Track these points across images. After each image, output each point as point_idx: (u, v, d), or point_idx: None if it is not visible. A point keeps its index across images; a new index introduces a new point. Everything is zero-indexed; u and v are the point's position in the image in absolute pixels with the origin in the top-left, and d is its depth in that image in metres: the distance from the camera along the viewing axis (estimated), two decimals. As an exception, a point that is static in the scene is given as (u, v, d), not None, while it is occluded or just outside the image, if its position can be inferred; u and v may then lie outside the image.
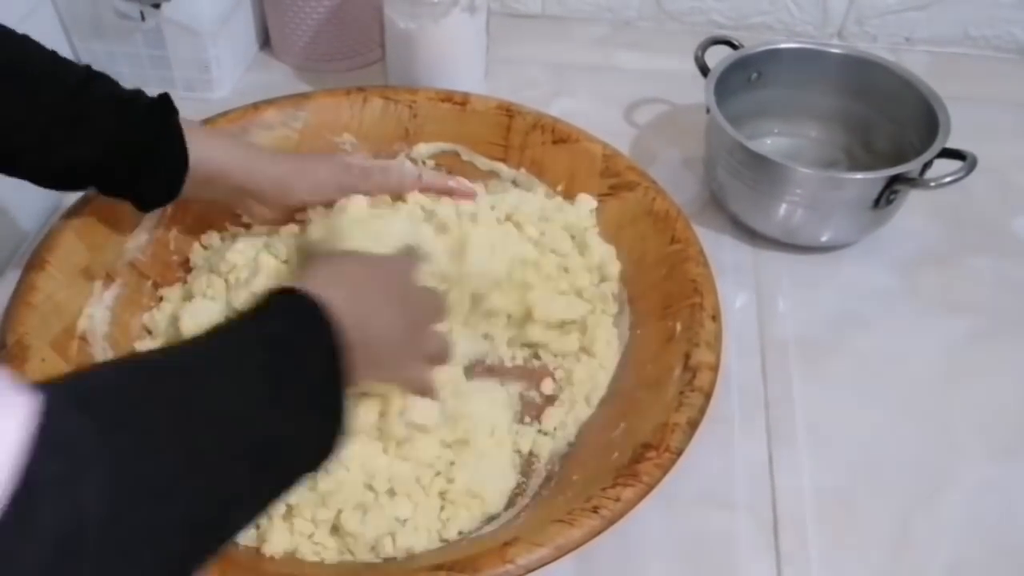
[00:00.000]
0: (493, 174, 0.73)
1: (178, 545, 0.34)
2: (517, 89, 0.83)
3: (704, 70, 0.74)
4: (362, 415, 0.53)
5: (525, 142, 0.72)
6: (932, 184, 0.66)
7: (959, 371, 0.65)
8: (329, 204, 0.64)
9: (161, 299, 0.65)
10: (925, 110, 0.70)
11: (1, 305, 0.58)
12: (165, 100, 0.59)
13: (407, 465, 0.55)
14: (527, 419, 0.61)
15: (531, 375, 0.64)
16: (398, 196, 0.66)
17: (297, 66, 0.91)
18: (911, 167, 0.66)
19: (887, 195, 0.67)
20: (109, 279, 0.63)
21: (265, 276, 0.62)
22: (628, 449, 0.52)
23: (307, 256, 0.62)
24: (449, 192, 0.66)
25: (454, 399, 0.57)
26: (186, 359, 0.39)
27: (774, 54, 0.76)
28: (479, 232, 0.62)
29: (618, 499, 0.48)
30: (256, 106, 0.72)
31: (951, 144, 0.67)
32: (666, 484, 0.50)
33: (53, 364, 0.56)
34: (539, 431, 0.60)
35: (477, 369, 0.63)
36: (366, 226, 0.60)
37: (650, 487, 0.49)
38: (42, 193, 0.76)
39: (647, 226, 0.65)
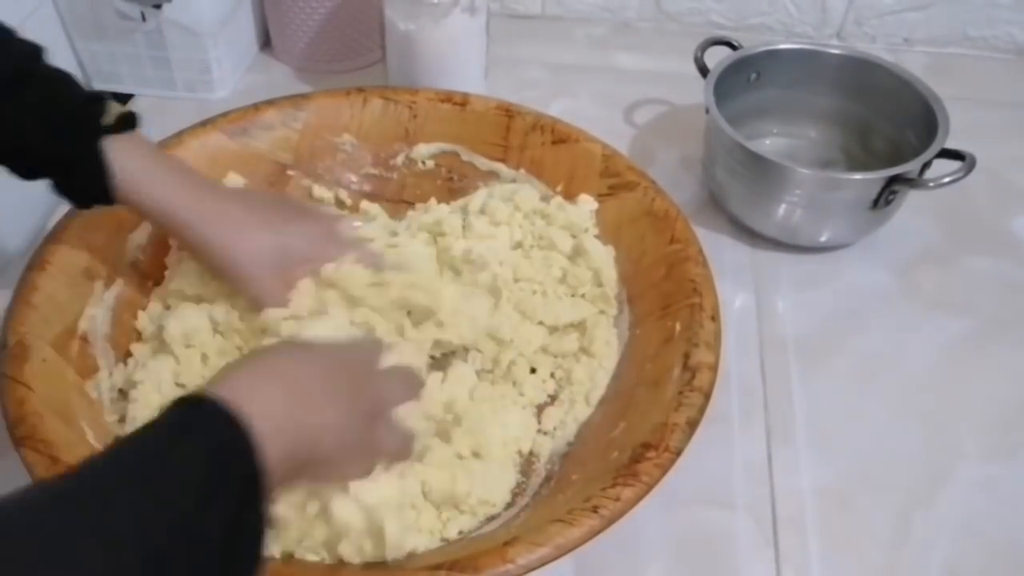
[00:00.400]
0: (493, 174, 0.73)
1: None
2: (517, 89, 0.83)
3: (703, 71, 0.74)
4: None
5: (525, 142, 0.72)
6: (931, 184, 0.66)
7: (958, 371, 0.65)
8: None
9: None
10: (924, 110, 0.70)
11: (2, 305, 0.58)
12: (126, 117, 0.55)
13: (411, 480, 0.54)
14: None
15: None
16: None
17: (297, 67, 0.91)
18: (910, 167, 0.66)
19: (886, 195, 0.67)
20: (110, 279, 0.63)
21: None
22: (628, 449, 0.52)
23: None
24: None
25: (471, 412, 0.58)
26: (47, 523, 0.31)
27: (773, 55, 0.77)
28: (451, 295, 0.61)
29: (618, 499, 0.48)
30: (256, 107, 0.72)
31: (950, 144, 0.67)
32: (666, 484, 0.50)
33: (54, 364, 0.56)
34: (539, 431, 0.60)
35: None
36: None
37: (650, 487, 0.49)
38: (42, 193, 0.77)
39: (646, 226, 0.65)
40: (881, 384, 0.64)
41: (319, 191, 0.73)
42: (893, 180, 0.66)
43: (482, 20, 0.79)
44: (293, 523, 0.49)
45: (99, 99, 0.55)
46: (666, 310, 0.61)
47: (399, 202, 0.74)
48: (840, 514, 0.57)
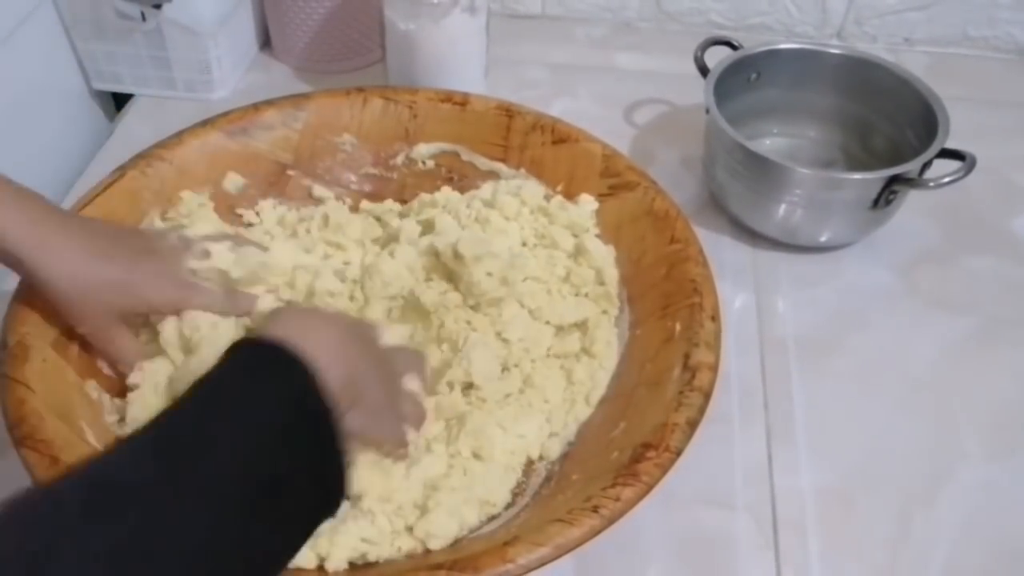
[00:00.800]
0: (493, 174, 0.73)
1: None
2: (517, 89, 0.83)
3: (703, 70, 0.74)
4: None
5: (525, 142, 0.72)
6: (931, 184, 0.66)
7: (958, 371, 0.65)
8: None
9: None
10: (924, 110, 0.70)
11: (2, 305, 0.58)
12: None
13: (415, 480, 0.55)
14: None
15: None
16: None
17: (297, 67, 0.91)
18: (910, 167, 0.66)
19: (886, 195, 0.67)
20: (110, 279, 0.63)
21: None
22: (628, 449, 0.52)
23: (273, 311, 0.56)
24: None
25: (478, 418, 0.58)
26: (145, 472, 0.33)
27: (773, 54, 0.77)
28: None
29: (618, 499, 0.48)
30: (256, 107, 0.72)
31: (950, 144, 0.67)
32: (666, 484, 0.50)
33: (54, 364, 0.56)
34: (551, 434, 0.60)
35: None
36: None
37: (650, 487, 0.49)
38: (41, 192, 0.77)
39: (647, 226, 0.65)
40: (881, 384, 0.64)
41: (319, 191, 0.73)
42: (893, 180, 0.66)
43: (482, 20, 0.79)
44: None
45: None
46: (666, 310, 0.61)
47: (399, 202, 0.74)
48: (840, 514, 0.57)
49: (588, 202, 0.69)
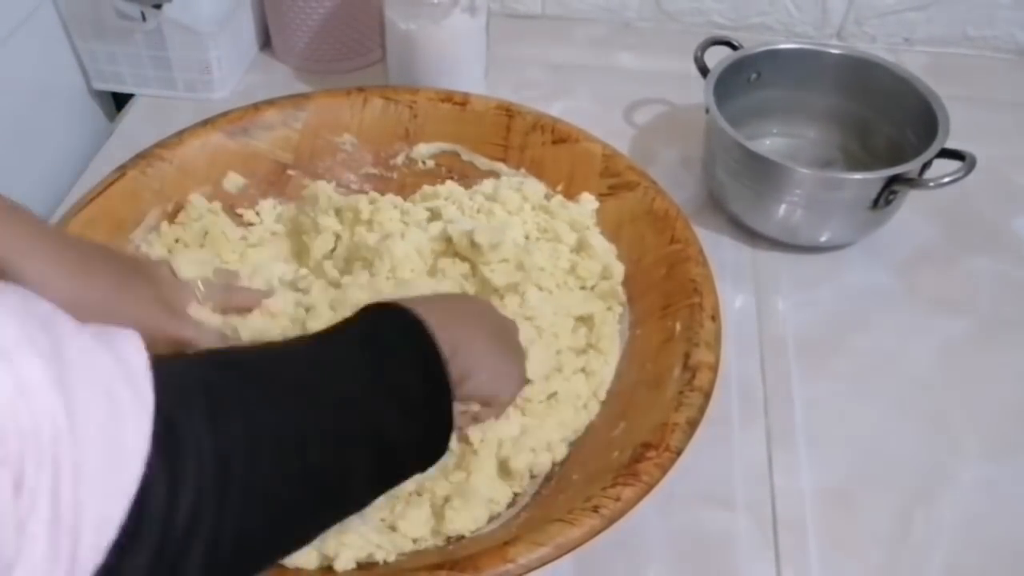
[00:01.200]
0: (493, 174, 0.73)
1: (290, 538, 0.38)
2: (517, 89, 0.83)
3: (703, 70, 0.74)
4: None
5: (525, 142, 0.72)
6: (931, 184, 0.66)
7: (958, 371, 0.65)
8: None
9: None
10: (924, 110, 0.70)
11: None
12: None
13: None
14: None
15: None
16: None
17: (297, 67, 0.91)
18: (910, 167, 0.66)
19: (886, 195, 0.67)
20: (110, 279, 0.63)
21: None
22: (628, 448, 0.52)
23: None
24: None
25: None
26: (297, 359, 0.40)
27: (773, 54, 0.77)
28: None
29: (618, 498, 0.48)
30: (256, 106, 0.72)
31: (950, 144, 0.67)
32: (665, 483, 0.50)
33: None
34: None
35: None
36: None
37: (650, 486, 0.49)
38: (42, 192, 0.77)
39: (647, 226, 0.65)
40: (881, 384, 0.64)
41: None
42: (893, 180, 0.66)
43: (482, 20, 0.79)
44: None
45: None
46: (666, 310, 0.61)
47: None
48: (840, 514, 0.57)
49: (589, 201, 0.69)
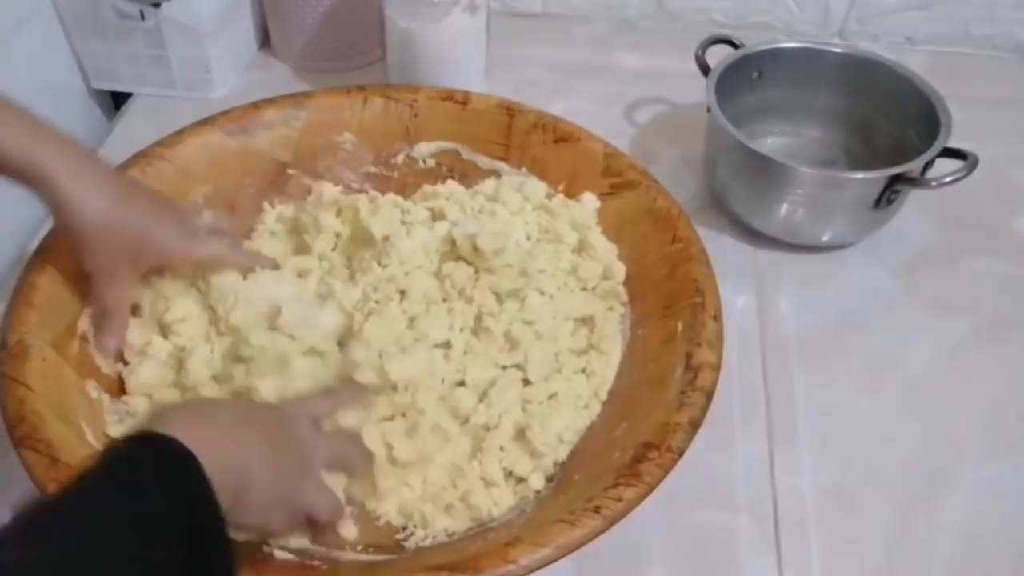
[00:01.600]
0: (494, 173, 0.73)
1: None
2: (517, 88, 0.83)
3: (705, 69, 0.74)
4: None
5: (526, 141, 0.72)
6: (933, 184, 0.66)
7: (959, 370, 0.65)
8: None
9: None
10: (926, 109, 0.70)
11: (2, 305, 0.58)
12: None
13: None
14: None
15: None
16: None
17: (297, 66, 0.91)
18: (912, 167, 0.66)
19: (888, 195, 0.67)
20: (110, 279, 0.63)
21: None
22: (630, 449, 0.52)
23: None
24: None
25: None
26: (23, 553, 0.32)
27: (775, 53, 0.76)
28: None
29: (620, 499, 0.48)
30: (256, 105, 0.72)
31: (952, 144, 0.67)
32: (667, 484, 0.50)
33: (54, 364, 0.56)
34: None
35: None
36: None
37: (652, 487, 0.49)
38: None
39: (648, 225, 0.65)
40: (883, 384, 0.64)
41: (320, 190, 0.73)
42: (895, 179, 0.66)
43: (482, 19, 0.79)
44: None
45: None
46: (668, 309, 0.60)
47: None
48: (842, 515, 0.57)
49: (590, 200, 0.69)
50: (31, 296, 0.57)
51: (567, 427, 0.58)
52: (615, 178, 0.69)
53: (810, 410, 0.62)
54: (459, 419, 0.58)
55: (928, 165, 0.67)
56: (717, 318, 0.58)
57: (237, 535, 0.44)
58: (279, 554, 0.51)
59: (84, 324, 0.60)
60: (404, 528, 0.54)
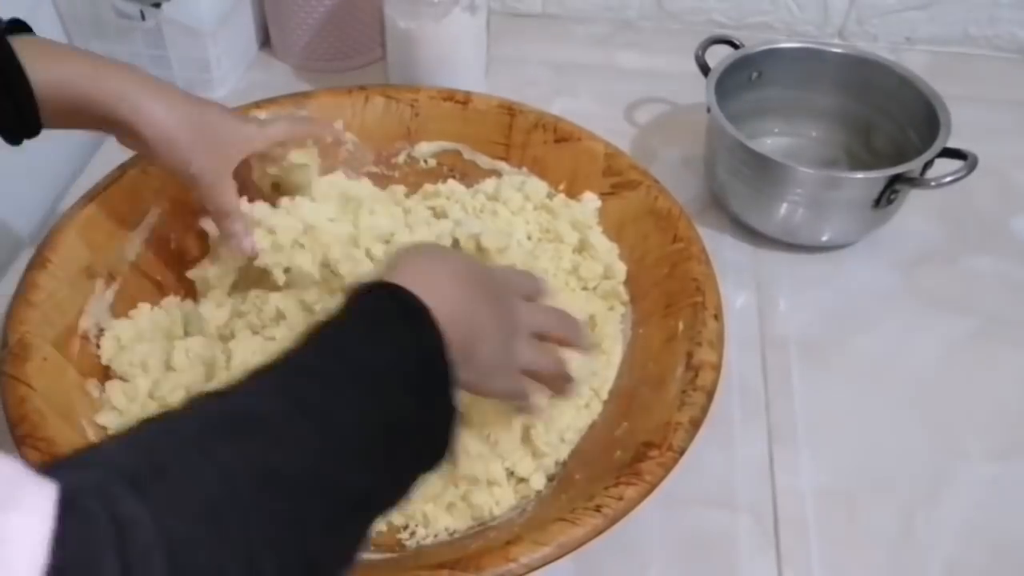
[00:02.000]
0: (495, 173, 0.73)
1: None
2: (517, 88, 0.83)
3: (705, 69, 0.74)
4: None
5: (527, 141, 0.72)
6: (933, 184, 0.66)
7: (959, 370, 0.65)
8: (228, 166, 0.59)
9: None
10: (926, 109, 0.70)
11: (3, 304, 0.58)
12: (18, 22, 0.53)
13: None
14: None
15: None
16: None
17: (297, 66, 0.91)
18: (912, 167, 0.66)
19: (888, 194, 0.67)
20: (111, 278, 0.63)
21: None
22: (631, 448, 0.52)
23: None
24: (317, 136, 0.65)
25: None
26: (266, 404, 0.33)
27: (775, 53, 0.76)
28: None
29: (620, 498, 0.48)
30: (258, 105, 0.72)
31: (952, 144, 0.67)
32: (667, 484, 0.50)
33: (55, 363, 0.56)
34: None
35: None
36: None
37: (652, 486, 0.49)
38: (42, 191, 0.77)
39: (649, 225, 0.65)
40: (883, 383, 0.64)
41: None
42: (895, 179, 0.66)
43: (482, 19, 0.79)
44: None
45: None
46: (669, 309, 0.60)
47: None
48: (842, 514, 0.57)
49: (591, 199, 0.69)
50: (32, 295, 0.57)
51: (568, 426, 0.58)
52: (616, 178, 0.69)
53: (810, 410, 0.62)
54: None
55: (928, 165, 0.67)
56: (718, 317, 0.58)
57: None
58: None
59: (85, 323, 0.60)
60: (405, 527, 0.54)
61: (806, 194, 0.68)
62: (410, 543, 0.54)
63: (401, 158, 0.74)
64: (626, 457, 0.51)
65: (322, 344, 0.37)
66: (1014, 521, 0.57)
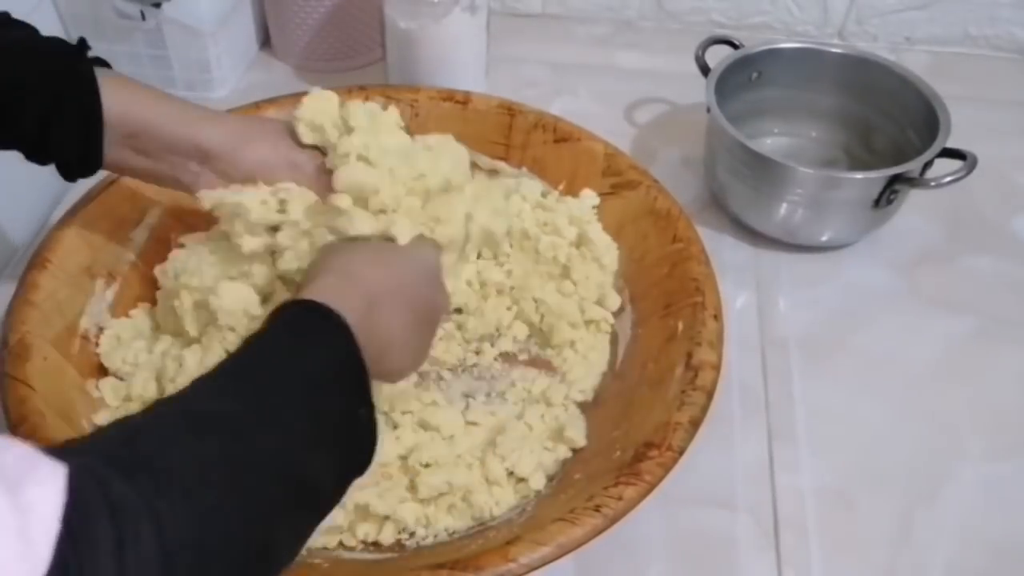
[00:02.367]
0: (495, 173, 0.73)
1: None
2: (517, 88, 0.83)
3: (704, 70, 0.74)
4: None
5: (527, 141, 0.72)
6: (932, 184, 0.66)
7: (959, 370, 0.65)
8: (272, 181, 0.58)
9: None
10: (925, 110, 0.70)
11: (3, 304, 0.58)
12: (80, 46, 0.54)
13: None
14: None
15: (542, 367, 0.64)
16: None
17: (297, 66, 0.91)
18: (911, 167, 0.66)
19: (887, 195, 0.67)
20: (111, 278, 0.63)
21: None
22: (630, 448, 0.52)
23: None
24: None
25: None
26: (224, 405, 0.37)
27: (774, 54, 0.76)
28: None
29: (620, 498, 0.48)
30: (257, 105, 0.72)
31: (951, 144, 0.67)
32: (666, 483, 0.50)
33: (55, 363, 0.56)
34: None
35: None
36: None
37: (652, 486, 0.49)
38: (42, 191, 0.77)
39: (649, 225, 0.65)
40: (883, 384, 0.64)
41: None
42: (894, 179, 0.66)
43: (482, 19, 0.79)
44: None
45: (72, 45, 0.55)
46: (668, 309, 0.60)
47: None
48: (841, 514, 0.57)
49: (589, 196, 0.69)
50: (32, 295, 0.57)
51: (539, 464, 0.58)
52: (615, 178, 0.69)
53: (809, 409, 0.62)
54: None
55: (928, 165, 0.67)
56: (717, 317, 0.58)
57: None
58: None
59: (85, 323, 0.60)
60: (405, 527, 0.54)
61: (806, 194, 0.68)
62: (410, 543, 0.54)
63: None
64: (626, 457, 0.51)
65: (257, 355, 0.41)
66: (1014, 521, 0.57)
